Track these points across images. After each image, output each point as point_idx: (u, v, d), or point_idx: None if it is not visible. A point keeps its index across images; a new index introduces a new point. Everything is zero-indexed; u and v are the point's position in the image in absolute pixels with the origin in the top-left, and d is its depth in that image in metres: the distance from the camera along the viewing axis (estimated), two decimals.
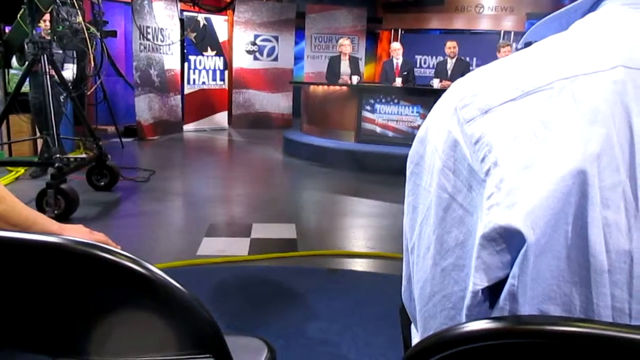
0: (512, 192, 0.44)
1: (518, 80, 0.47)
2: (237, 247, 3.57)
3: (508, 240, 0.44)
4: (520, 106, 0.46)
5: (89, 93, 6.70)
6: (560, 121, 0.44)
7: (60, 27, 4.40)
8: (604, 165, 0.42)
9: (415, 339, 0.67)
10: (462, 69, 7.12)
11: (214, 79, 9.70)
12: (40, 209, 3.80)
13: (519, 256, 0.44)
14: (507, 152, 0.45)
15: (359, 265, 3.41)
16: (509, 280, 0.45)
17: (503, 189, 0.44)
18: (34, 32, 4.22)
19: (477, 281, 0.46)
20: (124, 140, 7.63)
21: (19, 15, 4.29)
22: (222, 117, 10.00)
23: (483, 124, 0.47)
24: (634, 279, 0.43)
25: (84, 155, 5.42)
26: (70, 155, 5.06)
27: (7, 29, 4.69)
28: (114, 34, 5.19)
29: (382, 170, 5.86)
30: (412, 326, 0.67)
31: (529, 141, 0.44)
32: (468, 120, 0.47)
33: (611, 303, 0.43)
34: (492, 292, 0.47)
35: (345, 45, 7.68)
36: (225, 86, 9.95)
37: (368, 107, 6.86)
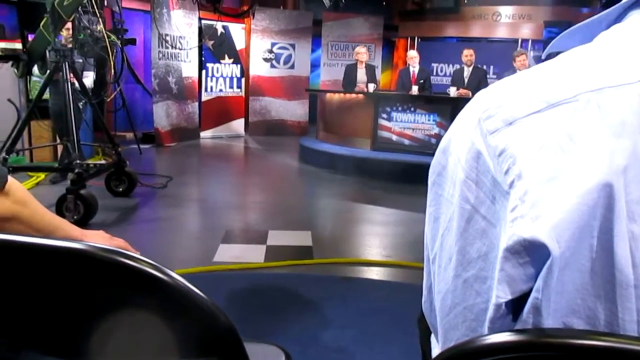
0: (536, 204, 0.43)
1: (543, 92, 0.47)
2: (253, 254, 3.58)
3: (532, 253, 0.44)
4: (545, 118, 0.45)
5: (108, 100, 6.79)
6: (585, 134, 0.44)
7: (82, 35, 4.47)
8: (630, 178, 0.42)
9: (435, 349, 0.66)
10: (478, 77, 7.08)
11: (231, 87, 9.77)
12: (59, 214, 3.85)
13: (543, 269, 0.44)
14: (532, 164, 0.44)
15: (374, 273, 3.40)
16: (533, 294, 0.45)
17: (527, 202, 0.44)
18: (56, 40, 4.30)
19: (500, 294, 0.46)
20: (142, 146, 7.71)
21: (41, 24, 4.38)
22: (238, 124, 10.06)
23: (507, 135, 0.46)
24: None
25: (103, 162, 5.48)
26: (89, 161, 5.13)
27: (30, 37, 4.77)
28: (133, 41, 5.27)
29: (398, 179, 5.84)
30: (432, 337, 0.67)
31: (553, 153, 0.44)
32: (492, 132, 0.47)
33: (637, 318, 0.43)
34: (516, 305, 0.46)
35: (361, 53, 7.69)
36: (242, 93, 10.02)
37: (384, 115, 6.86)
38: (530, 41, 10.86)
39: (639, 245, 0.42)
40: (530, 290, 0.45)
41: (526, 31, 10.88)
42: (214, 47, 9.33)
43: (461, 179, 0.50)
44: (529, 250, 0.44)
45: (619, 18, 0.53)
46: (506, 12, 11.04)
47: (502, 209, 0.46)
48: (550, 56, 0.56)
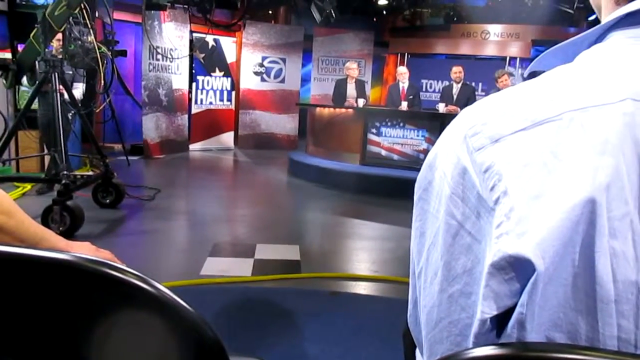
0: (522, 221, 0.44)
1: (528, 110, 0.48)
2: (240, 268, 3.56)
3: (517, 269, 0.44)
4: (530, 136, 0.46)
5: (97, 111, 6.76)
6: (569, 151, 0.45)
7: (72, 46, 4.46)
8: (613, 195, 0.43)
9: None
10: (467, 94, 7.15)
11: (221, 99, 9.78)
12: (45, 225, 3.81)
13: (528, 285, 0.44)
14: (517, 181, 0.45)
15: (362, 288, 3.39)
16: (518, 309, 0.45)
17: (513, 218, 0.44)
18: (46, 50, 4.28)
19: (485, 309, 0.46)
20: (130, 158, 7.68)
21: (31, 35, 4.36)
22: (228, 137, 10.05)
23: (493, 152, 0.47)
24: None
25: (90, 173, 5.45)
26: (76, 173, 5.09)
27: (20, 47, 4.75)
28: (124, 53, 5.25)
29: (387, 193, 5.86)
30: (417, 351, 0.67)
31: (538, 171, 0.45)
32: (478, 149, 0.48)
33: (617, 333, 0.43)
34: (500, 320, 0.47)
35: (352, 68, 7.74)
36: (232, 106, 10.03)
37: (374, 130, 6.90)
38: (518, 59, 11.01)
39: (620, 262, 0.43)
40: (515, 305, 0.45)
41: (514, 49, 11.04)
42: (205, 60, 9.35)
43: (447, 195, 0.50)
44: (514, 266, 0.44)
45: (600, 38, 0.55)
46: (495, 30, 11.20)
47: (487, 225, 0.47)
48: (533, 74, 0.58)
